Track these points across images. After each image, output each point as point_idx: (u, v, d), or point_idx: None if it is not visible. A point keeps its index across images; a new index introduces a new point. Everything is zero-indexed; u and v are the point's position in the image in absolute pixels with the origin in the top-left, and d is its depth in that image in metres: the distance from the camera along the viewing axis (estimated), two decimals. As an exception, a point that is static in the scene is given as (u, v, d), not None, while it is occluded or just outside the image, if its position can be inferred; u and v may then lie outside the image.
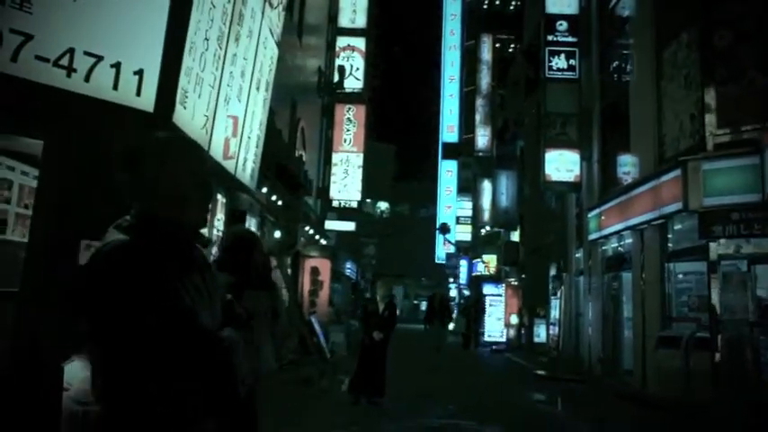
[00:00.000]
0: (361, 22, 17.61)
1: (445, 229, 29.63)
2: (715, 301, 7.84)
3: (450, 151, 33.96)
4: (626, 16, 11.47)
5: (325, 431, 6.42)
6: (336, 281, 24.30)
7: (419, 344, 16.15)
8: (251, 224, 9.26)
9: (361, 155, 17.05)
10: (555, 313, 13.72)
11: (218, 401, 1.38)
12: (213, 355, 1.34)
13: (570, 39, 12.95)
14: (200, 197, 1.49)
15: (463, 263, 26.56)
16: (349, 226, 17.52)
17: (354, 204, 16.85)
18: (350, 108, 17.14)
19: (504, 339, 18.67)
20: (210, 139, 6.31)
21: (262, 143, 8.38)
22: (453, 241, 28.64)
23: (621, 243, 11.00)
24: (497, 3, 26.09)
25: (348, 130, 17.11)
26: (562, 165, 12.57)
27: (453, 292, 32.12)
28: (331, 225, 17.09)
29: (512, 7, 25.01)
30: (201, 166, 1.56)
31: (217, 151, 6.63)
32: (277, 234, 10.42)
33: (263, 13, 7.65)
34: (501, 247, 19.49)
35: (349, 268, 26.48)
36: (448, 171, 34.70)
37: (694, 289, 9.11)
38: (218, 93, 6.38)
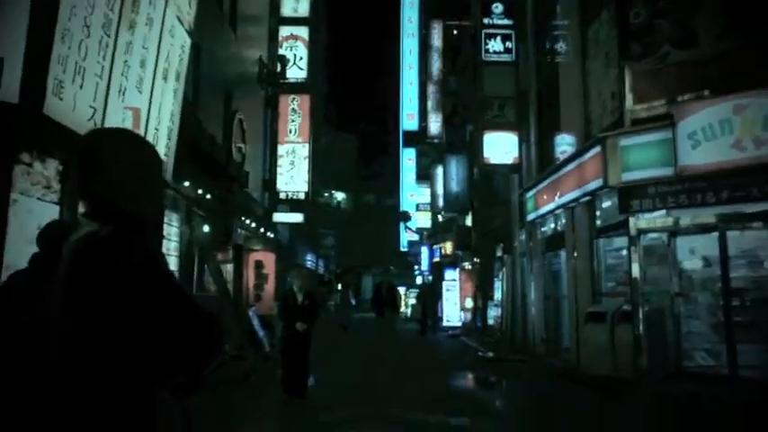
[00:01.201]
0: (303, 10, 17.29)
1: (406, 216, 29.60)
2: (636, 274, 7.90)
3: (411, 139, 33.87)
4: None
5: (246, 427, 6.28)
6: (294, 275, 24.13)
7: (374, 331, 16.13)
8: (172, 219, 9.00)
9: (308, 145, 16.80)
10: (498, 295, 13.76)
11: (197, 380, 1.42)
12: (212, 327, 1.37)
13: (506, 21, 12.91)
14: (158, 188, 1.57)
15: (424, 249, 26.57)
16: (297, 218, 17.31)
17: (302, 196, 16.61)
18: (294, 98, 16.85)
19: (460, 324, 18.75)
20: (103, 132, 6.05)
21: (175, 135, 8.10)
22: (414, 228, 28.65)
23: (558, 222, 11.05)
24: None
25: (293, 121, 16.83)
26: (501, 147, 12.56)
27: (419, 279, 32.22)
28: (279, 217, 16.84)
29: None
30: (154, 158, 1.57)
31: (113, 144, 6.38)
32: (206, 228, 10.14)
33: (166, 1, 7.36)
34: (454, 231, 19.54)
35: (310, 260, 26.32)
36: (409, 159, 34.61)
37: (624, 264, 9.21)
38: (109, 83, 6.10)
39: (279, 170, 16.66)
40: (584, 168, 8.85)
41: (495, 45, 12.74)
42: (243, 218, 12.66)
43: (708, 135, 7.14)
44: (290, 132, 16.82)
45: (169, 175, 8.09)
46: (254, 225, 13.35)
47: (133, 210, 1.41)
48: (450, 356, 12.82)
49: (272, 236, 15.48)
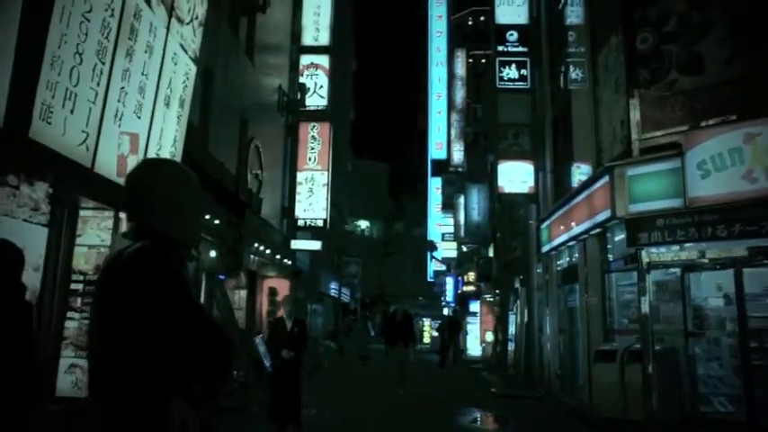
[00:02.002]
0: (324, 39, 17.60)
1: (432, 246, 29.29)
2: (645, 311, 7.46)
3: (439, 168, 33.79)
4: (570, 24, 11.28)
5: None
6: (317, 302, 24.00)
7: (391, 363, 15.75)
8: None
9: (326, 173, 16.88)
10: (512, 329, 13.28)
11: (215, 394, 1.52)
12: (222, 338, 1.47)
13: (521, 49, 12.79)
14: (199, 219, 1.72)
15: (449, 280, 26.12)
16: (315, 245, 17.27)
17: (320, 223, 16.62)
18: (314, 126, 17.03)
19: (481, 357, 18.18)
20: (95, 157, 6.13)
21: (179, 160, 8.21)
22: (440, 258, 28.26)
23: (572, 255, 10.65)
24: (470, 21, 26.06)
25: (312, 149, 16.97)
26: (516, 176, 12.30)
27: (445, 311, 31.65)
28: (297, 245, 16.85)
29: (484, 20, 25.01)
30: (198, 187, 1.72)
31: (107, 169, 6.45)
32: (213, 254, 10.17)
33: (167, 29, 7.54)
34: (476, 262, 19.13)
35: (333, 288, 26.19)
36: (436, 188, 34.46)
37: (636, 300, 8.74)
38: (104, 108, 6.22)
39: (297, 197, 16.76)
40: (592, 199, 8.52)
41: (510, 72, 12.61)
42: (256, 244, 12.68)
43: (717, 165, 6.76)
44: (310, 160, 16.95)
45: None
46: (268, 251, 13.36)
47: (166, 232, 1.55)
48: (462, 391, 12.36)
49: (288, 263, 15.46)
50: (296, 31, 17.50)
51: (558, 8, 11.94)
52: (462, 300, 24.25)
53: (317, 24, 17.72)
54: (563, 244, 10.27)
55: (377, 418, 8.72)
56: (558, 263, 11.50)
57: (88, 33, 5.79)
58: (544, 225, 11.45)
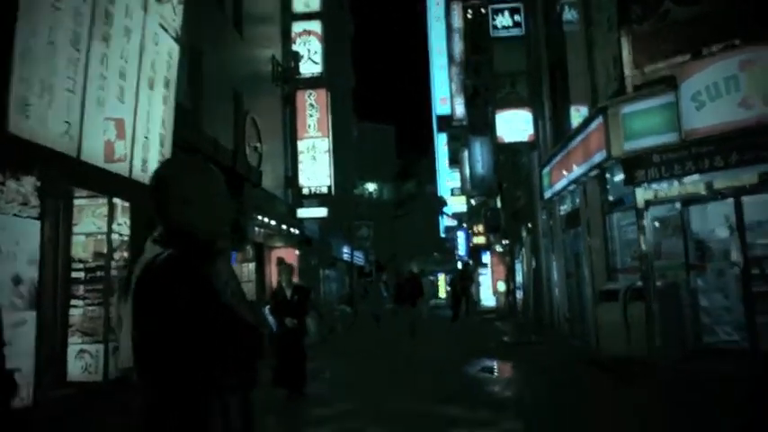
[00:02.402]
0: (315, 5, 17.24)
1: (442, 202, 29.26)
2: (645, 248, 7.44)
3: (445, 124, 33.38)
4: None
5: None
6: (330, 267, 24.29)
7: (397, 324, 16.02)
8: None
9: (327, 139, 16.81)
10: (519, 277, 13.36)
11: (248, 378, 1.63)
12: (252, 338, 1.60)
13: (513, -6, 12.40)
14: (225, 209, 1.73)
15: (461, 234, 26.18)
16: (322, 212, 17.35)
17: (325, 190, 16.66)
18: (310, 93, 16.88)
19: (494, 307, 18.38)
20: (80, 145, 6.17)
21: (169, 141, 8.23)
22: (450, 214, 28.28)
23: (574, 199, 10.58)
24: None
25: (311, 116, 16.87)
26: (515, 125, 12.14)
27: (460, 265, 31.83)
28: (304, 213, 16.96)
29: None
30: (220, 178, 1.75)
31: (94, 156, 6.50)
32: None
33: (145, 10, 7.44)
34: (483, 214, 19.11)
35: (346, 253, 26.44)
36: (444, 144, 34.15)
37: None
38: (84, 97, 6.23)
39: (300, 166, 16.76)
40: (588, 141, 8.41)
41: (504, 20, 12.29)
42: (259, 216, 12.79)
43: (712, 95, 6.60)
44: (309, 127, 16.87)
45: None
46: (273, 222, 13.47)
47: (191, 232, 1.60)
48: (474, 342, 12.58)
49: (296, 232, 15.60)
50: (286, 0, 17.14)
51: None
52: (475, 252, 24.36)
53: (306, -11, 17.30)
54: (564, 188, 10.20)
55: (387, 373, 8.94)
56: (562, 208, 11.45)
57: (59, 24, 5.76)
58: (545, 171, 11.36)
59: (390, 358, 10.67)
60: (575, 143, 9.15)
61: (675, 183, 7.42)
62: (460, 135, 25.11)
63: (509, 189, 16.50)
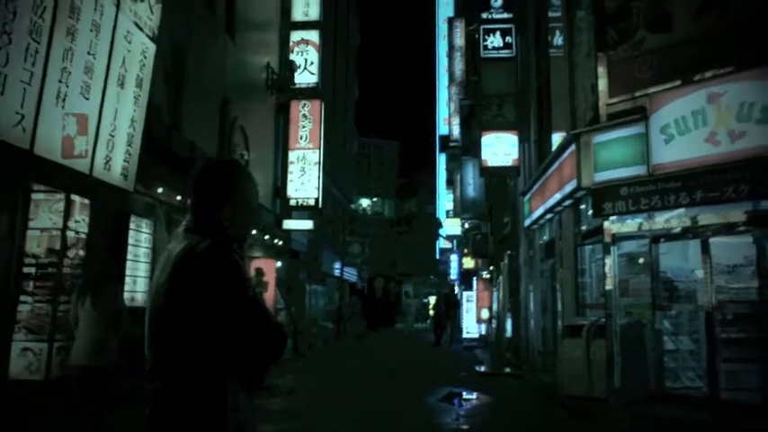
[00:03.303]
0: (314, 14, 17.26)
1: (439, 224, 29.03)
2: (610, 285, 7.20)
3: (448, 144, 33.29)
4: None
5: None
6: (319, 282, 24.05)
7: (387, 342, 15.71)
8: (142, 224, 9.03)
9: (318, 151, 16.70)
10: (495, 306, 13.08)
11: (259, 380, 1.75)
12: (279, 338, 1.65)
13: (505, 15, 12.34)
14: (255, 214, 1.89)
15: (454, 257, 25.90)
16: (307, 225, 17.19)
17: (312, 202, 16.51)
18: (305, 104, 16.82)
19: (478, 335, 18.04)
20: (34, 138, 6.06)
21: (138, 141, 8.12)
22: (444, 235, 28.03)
23: (552, 228, 10.36)
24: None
25: (304, 127, 16.79)
26: (500, 148, 11.98)
27: (456, 288, 31.47)
28: (290, 225, 16.80)
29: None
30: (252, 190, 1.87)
31: (51, 150, 6.39)
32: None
33: (117, 7, 7.38)
34: (471, 239, 18.86)
35: (336, 268, 26.21)
36: (445, 165, 34.03)
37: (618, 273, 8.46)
38: (42, 89, 6.13)
39: (289, 176, 16.64)
40: (562, 169, 8.23)
41: (495, 41, 12.20)
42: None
43: (681, 128, 6.41)
44: (301, 138, 16.79)
45: (132, 180, 8.14)
46: (254, 232, 13.32)
47: (227, 228, 1.70)
48: (448, 370, 12.26)
49: (279, 243, 15.44)
50: (285, 7, 17.19)
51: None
52: (466, 277, 24.06)
53: (307, -1, 17.37)
54: (541, 217, 9.99)
55: (343, 394, 8.69)
56: (542, 237, 11.23)
57: (17, 12, 5.68)
58: (526, 198, 11.16)
59: (355, 380, 10.40)
60: (551, 171, 8.96)
61: (643, 218, 7.22)
62: (458, 156, 24.97)
63: (498, 214, 16.30)
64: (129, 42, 7.80)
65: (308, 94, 16.78)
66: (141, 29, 8.04)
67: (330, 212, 24.12)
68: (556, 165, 8.59)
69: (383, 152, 47.83)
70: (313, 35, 17.09)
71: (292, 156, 16.68)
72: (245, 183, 1.79)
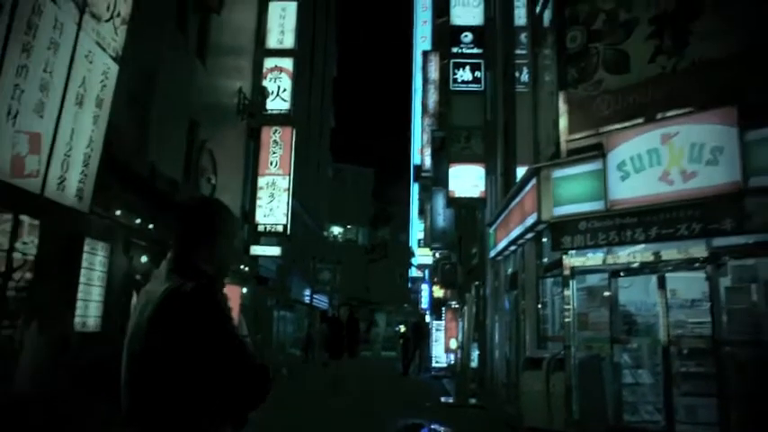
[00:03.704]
0: (289, 42, 17.39)
1: (411, 253, 29.02)
2: (569, 318, 7.21)
3: (420, 174, 33.54)
4: (518, 25, 11.11)
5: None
6: (287, 309, 23.68)
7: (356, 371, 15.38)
8: (97, 248, 8.77)
9: (288, 178, 16.62)
10: (460, 336, 13.01)
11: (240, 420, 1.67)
12: (262, 378, 1.64)
13: (475, 50, 12.60)
14: (232, 251, 1.90)
15: (425, 287, 25.84)
16: (275, 251, 16.98)
17: (280, 229, 16.34)
18: (276, 130, 16.80)
19: (446, 364, 17.89)
20: (-22, 156, 5.87)
21: (95, 162, 7.94)
22: (416, 265, 28.00)
23: (516, 260, 10.41)
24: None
25: (274, 153, 16.73)
26: (468, 180, 12.08)
27: (428, 318, 31.29)
28: (257, 251, 16.57)
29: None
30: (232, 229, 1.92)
31: (-1, 168, 6.20)
32: (144, 259, 9.90)
33: (79, 26, 7.29)
34: (440, 269, 18.88)
35: (307, 296, 25.86)
36: (419, 194, 34.21)
37: (578, 307, 8.49)
38: (-10, 106, 5.97)
39: (258, 202, 16.49)
40: (524, 202, 8.30)
41: (464, 74, 12.42)
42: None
43: (637, 166, 6.54)
44: (271, 164, 16.70)
45: (88, 201, 7.91)
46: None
47: (207, 269, 1.71)
48: (411, 400, 12.06)
49: (246, 269, 15.18)
50: (261, 34, 17.30)
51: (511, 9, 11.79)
52: (437, 306, 23.97)
53: (281, 27, 17.52)
54: (506, 248, 10.03)
55: (304, 429, 8.44)
56: (508, 268, 11.26)
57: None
58: (491, 229, 11.22)
59: (312, 410, 10.13)
60: (514, 203, 9.04)
61: (604, 252, 7.29)
62: (429, 186, 25.15)
63: (467, 244, 16.35)
64: (91, 62, 7.68)
65: (279, 120, 16.78)
66: (104, 49, 7.94)
67: (301, 239, 23.92)
68: (518, 198, 8.67)
69: (358, 180, 47.95)
70: (287, 63, 17.18)
71: (262, 181, 16.56)
72: (227, 224, 1.82)
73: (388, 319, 46.73)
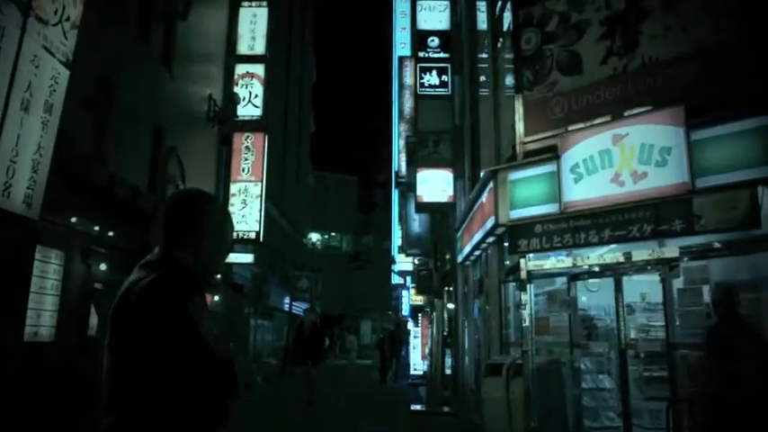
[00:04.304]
0: (260, 48, 17.27)
1: (392, 260, 28.88)
2: (527, 322, 7.12)
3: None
4: (481, 30, 11.10)
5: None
6: (266, 317, 23.41)
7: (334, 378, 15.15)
8: (51, 255, 8.53)
9: (260, 184, 16.45)
10: (430, 343, 12.89)
11: (219, 414, 1.62)
12: (224, 376, 1.61)
13: (442, 54, 12.56)
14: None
15: (405, 293, 25.73)
16: (247, 258, 16.78)
17: (253, 236, 16.14)
18: (248, 136, 16.63)
19: (422, 372, 17.76)
20: None
21: (45, 168, 7.73)
22: (396, 271, 27.87)
23: (483, 265, 10.32)
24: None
25: (246, 159, 16.55)
26: (436, 185, 12.01)
27: (410, 324, 31.13)
28: (229, 257, 16.31)
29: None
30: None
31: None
32: (103, 267, 9.67)
33: (23, 30, 7.11)
34: (416, 274, 18.77)
35: (286, 303, 25.60)
36: (399, 200, 34.10)
37: (540, 311, 8.42)
38: (-77, 111, 5.78)
39: (231, 209, 16.26)
40: (484, 206, 8.23)
41: (431, 79, 12.38)
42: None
43: (589, 168, 6.49)
44: (243, 171, 16.52)
45: (37, 208, 7.70)
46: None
47: (189, 265, 1.67)
48: (383, 409, 11.90)
49: (217, 276, 14.95)
50: (231, 40, 17.16)
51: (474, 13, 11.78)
52: (417, 313, 23.86)
53: (253, 33, 17.40)
54: (471, 253, 9.95)
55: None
56: (476, 274, 11.17)
57: None
58: (459, 234, 11.15)
59: (280, 421, 9.93)
60: (476, 207, 8.97)
61: (565, 255, 7.22)
62: (405, 192, 25.05)
63: (442, 250, 16.27)
64: (37, 67, 7.49)
65: (251, 126, 16.62)
66: (53, 54, 7.76)
67: (279, 246, 23.69)
68: (479, 201, 8.60)
69: (341, 187, 47.81)
70: (258, 69, 17.05)
71: (234, 188, 16.37)
72: (213, 219, 1.76)
73: (373, 326, 46.53)
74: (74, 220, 8.89)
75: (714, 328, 4.54)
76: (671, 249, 6.14)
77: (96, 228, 9.50)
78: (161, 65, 12.79)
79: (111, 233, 9.93)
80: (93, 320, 9.53)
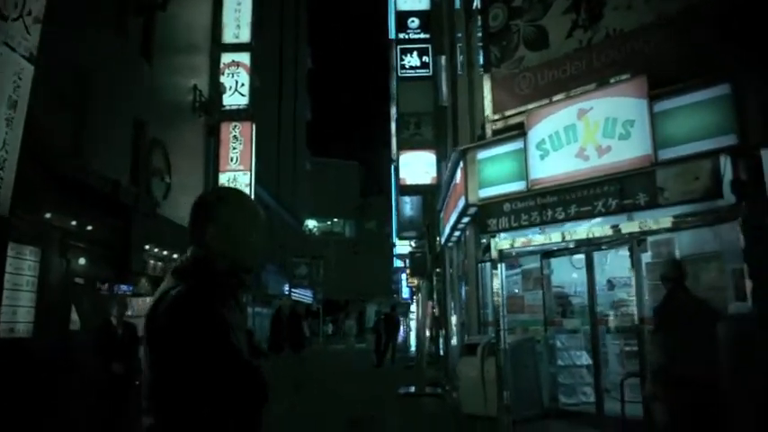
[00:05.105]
0: (245, 36, 17.12)
1: (392, 244, 28.87)
2: (499, 301, 7.07)
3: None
4: (457, 8, 10.91)
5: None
6: (265, 305, 23.53)
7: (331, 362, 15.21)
8: (25, 252, 8.56)
9: (249, 173, 16.41)
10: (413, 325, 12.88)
11: (251, 424, 1.63)
12: (255, 385, 1.60)
13: (422, 35, 12.39)
14: (260, 245, 1.79)
15: (404, 277, 25.73)
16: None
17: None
18: (235, 126, 16.56)
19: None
20: None
21: (12, 164, 7.71)
22: (395, 255, 27.87)
23: (462, 245, 10.26)
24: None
25: (234, 149, 16.50)
26: (419, 167, 11.93)
27: (413, 307, 31.22)
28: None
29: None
30: (262, 215, 1.83)
31: None
32: (82, 261, 9.70)
33: (-18, 26, 7.06)
34: (408, 257, 18.73)
35: (287, 291, 25.73)
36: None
37: (518, 291, 8.38)
38: None
39: (220, 199, 16.24)
40: (457, 186, 8.15)
41: (412, 60, 12.23)
42: (155, 249, 12.22)
43: (555, 144, 6.39)
44: (232, 160, 16.49)
45: (6, 205, 7.70)
46: (165, 253, 12.82)
47: (220, 265, 1.67)
48: (374, 391, 11.96)
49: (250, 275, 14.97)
50: (216, 30, 17.01)
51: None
52: (415, 296, 23.87)
53: (237, 21, 17.23)
54: (451, 234, 9.90)
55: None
56: (460, 255, 11.12)
57: None
58: (441, 215, 11.08)
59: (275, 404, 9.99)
60: (451, 188, 8.89)
61: (535, 232, 7.14)
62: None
63: (433, 233, 16.21)
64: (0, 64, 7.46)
65: (239, 115, 16.54)
66: (14, 49, 7.67)
67: (277, 234, 23.73)
68: (453, 182, 8.52)
69: (342, 173, 47.70)
70: (244, 57, 16.91)
71: (223, 178, 16.34)
72: (230, 211, 1.71)
73: (377, 310, 46.72)
74: (49, 215, 8.90)
75: (663, 301, 4.47)
76: (631, 224, 6.02)
77: (74, 222, 9.50)
78: (140, 57, 12.69)
79: (90, 227, 9.93)
80: (76, 315, 9.57)
